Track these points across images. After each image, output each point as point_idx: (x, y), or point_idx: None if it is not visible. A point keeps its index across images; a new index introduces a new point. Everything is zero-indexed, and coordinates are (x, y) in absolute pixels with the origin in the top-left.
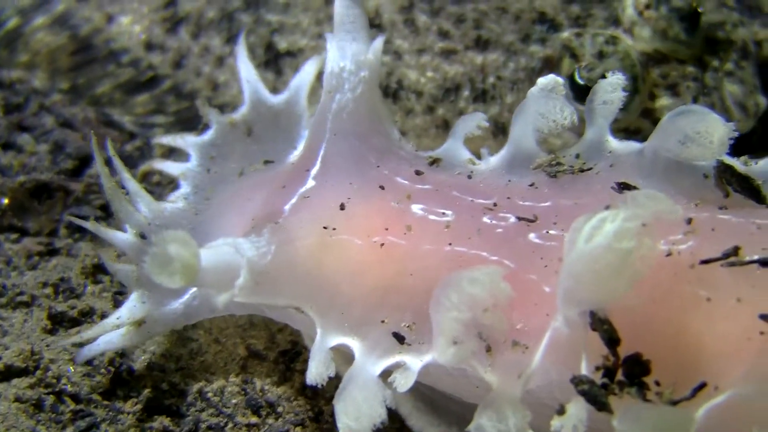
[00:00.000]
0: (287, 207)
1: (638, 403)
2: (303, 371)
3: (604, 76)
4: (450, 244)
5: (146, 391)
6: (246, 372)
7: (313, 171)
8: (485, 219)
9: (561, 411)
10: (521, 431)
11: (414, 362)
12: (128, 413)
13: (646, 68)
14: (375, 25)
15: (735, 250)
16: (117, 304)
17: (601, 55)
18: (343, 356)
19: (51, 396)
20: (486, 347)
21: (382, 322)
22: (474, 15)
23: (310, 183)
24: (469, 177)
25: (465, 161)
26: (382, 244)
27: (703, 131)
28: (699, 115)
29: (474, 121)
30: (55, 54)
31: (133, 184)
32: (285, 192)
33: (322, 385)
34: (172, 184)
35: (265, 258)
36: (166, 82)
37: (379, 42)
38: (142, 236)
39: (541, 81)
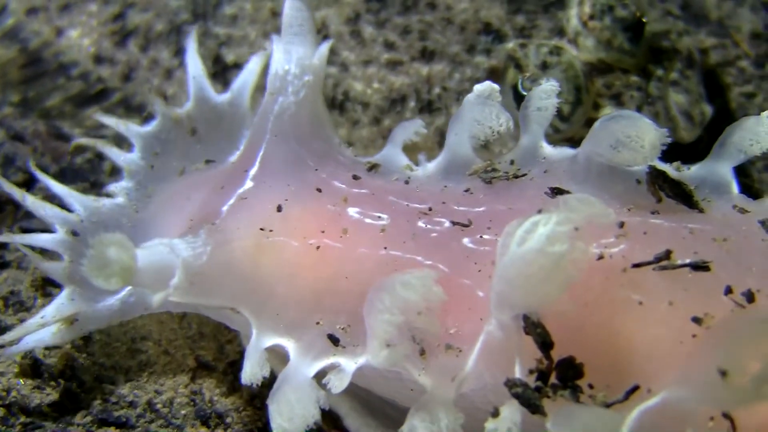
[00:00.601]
0: (225, 208)
1: (571, 405)
2: None
3: None
4: (385, 247)
5: (96, 403)
6: (195, 383)
7: (252, 172)
8: (420, 223)
9: (495, 413)
10: None
11: (348, 364)
12: (78, 425)
13: (590, 78)
14: (322, 36)
15: (667, 254)
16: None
17: (545, 66)
18: (279, 357)
19: (1, 408)
20: (420, 350)
21: (317, 323)
22: (419, 26)
23: (248, 184)
24: (407, 183)
25: (403, 167)
26: (318, 247)
27: (634, 135)
28: (630, 119)
29: (412, 128)
30: (5, 67)
31: (60, 188)
32: (223, 192)
33: (257, 385)
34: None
35: (201, 259)
36: (115, 94)
37: (324, 47)
38: (74, 233)
39: (478, 88)
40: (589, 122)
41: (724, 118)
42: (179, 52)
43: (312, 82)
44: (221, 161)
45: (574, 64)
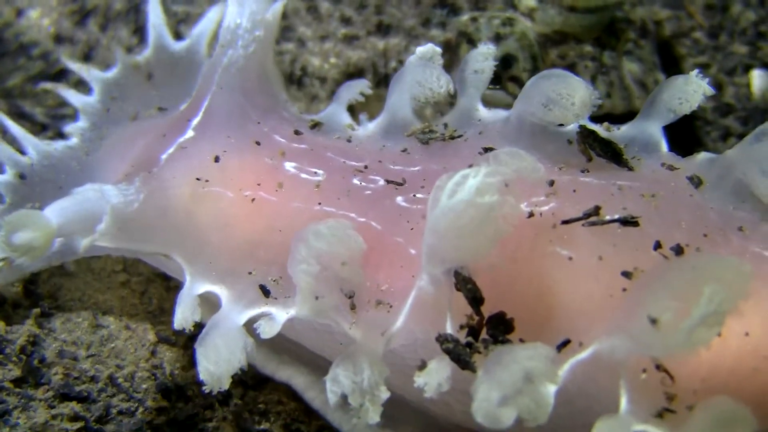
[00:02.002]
0: (164, 156)
1: None
2: None
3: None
4: (319, 203)
5: (57, 378)
6: (156, 357)
7: (194, 121)
8: (355, 180)
9: (422, 366)
10: (374, 386)
11: (279, 314)
12: (40, 400)
13: (544, 49)
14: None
15: (596, 210)
16: (28, 294)
17: (498, 38)
18: (213, 308)
19: None
20: (350, 305)
21: (250, 273)
22: (375, 1)
23: (190, 133)
24: (348, 141)
25: (345, 126)
26: (253, 199)
27: (564, 93)
28: (560, 77)
29: (357, 88)
30: None
31: (17, 129)
32: (164, 140)
33: (190, 330)
34: None
35: (131, 206)
36: (75, 73)
37: (279, 4)
38: (22, 177)
39: (420, 50)
40: None
41: None
42: (138, 30)
43: (263, 38)
44: (173, 109)
45: (527, 34)
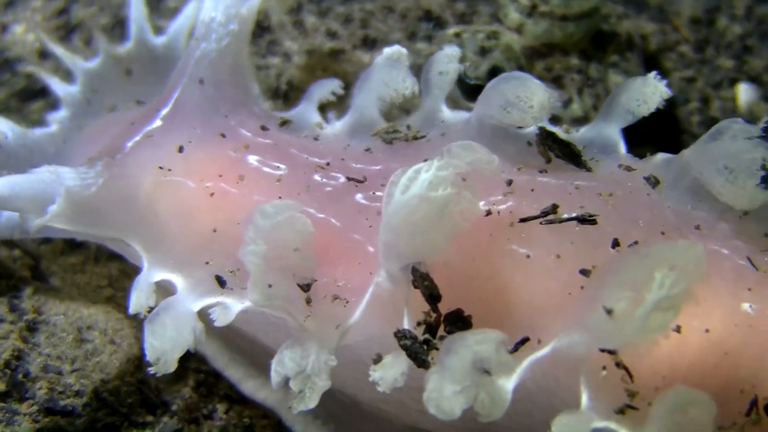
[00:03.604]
0: (129, 143)
1: None
2: (197, 370)
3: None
4: (279, 197)
5: (42, 393)
6: (141, 372)
7: (163, 111)
8: (316, 177)
9: (378, 360)
10: (318, 373)
11: (234, 304)
12: (24, 414)
13: (530, 61)
14: (264, 27)
15: (554, 209)
16: (12, 308)
17: (483, 51)
18: (169, 295)
19: None
20: (306, 299)
21: (207, 263)
22: (361, 15)
23: (157, 123)
24: (316, 139)
25: (313, 124)
26: (213, 192)
27: (523, 96)
28: (519, 80)
29: (329, 87)
30: None
31: None
32: (132, 129)
33: (145, 316)
34: None
35: (88, 189)
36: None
37: (255, 0)
38: None
39: (387, 51)
40: None
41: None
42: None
43: (237, 32)
44: (150, 102)
45: (512, 46)
